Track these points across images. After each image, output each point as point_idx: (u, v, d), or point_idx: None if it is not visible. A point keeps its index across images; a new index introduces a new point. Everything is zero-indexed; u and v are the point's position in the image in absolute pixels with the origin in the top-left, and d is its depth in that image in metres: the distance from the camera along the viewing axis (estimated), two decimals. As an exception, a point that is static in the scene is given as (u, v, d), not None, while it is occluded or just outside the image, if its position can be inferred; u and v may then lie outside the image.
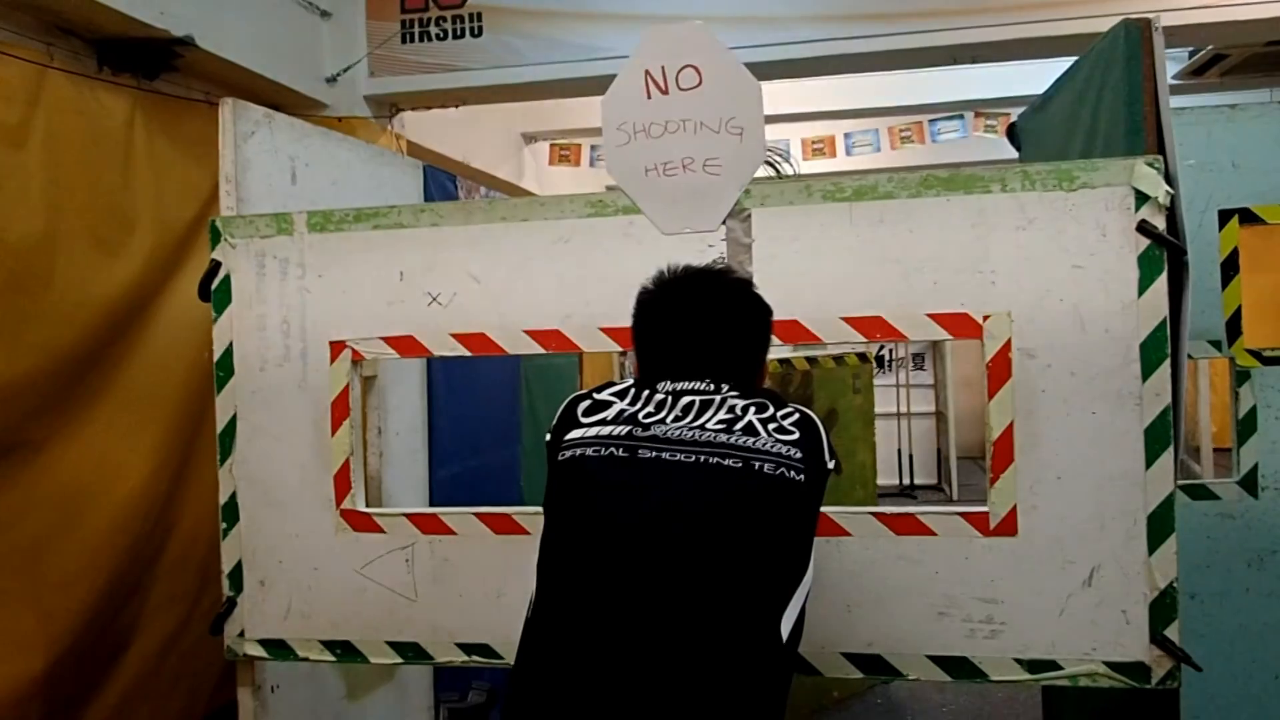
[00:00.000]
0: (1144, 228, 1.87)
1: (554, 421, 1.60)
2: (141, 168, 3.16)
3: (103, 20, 2.98)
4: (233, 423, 2.21)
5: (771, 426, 1.48)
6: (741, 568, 1.36)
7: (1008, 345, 1.89)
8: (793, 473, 1.43)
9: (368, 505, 2.23)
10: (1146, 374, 1.85)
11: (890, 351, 8.95)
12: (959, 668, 1.87)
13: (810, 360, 3.75)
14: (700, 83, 2.09)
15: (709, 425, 1.47)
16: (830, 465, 1.54)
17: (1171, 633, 1.80)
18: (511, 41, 4.47)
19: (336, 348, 2.17)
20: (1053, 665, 1.84)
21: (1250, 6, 3.83)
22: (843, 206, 2.00)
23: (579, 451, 1.49)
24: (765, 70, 4.34)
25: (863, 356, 3.95)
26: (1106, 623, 1.81)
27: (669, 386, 1.54)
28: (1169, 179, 1.89)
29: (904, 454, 8.81)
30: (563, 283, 2.10)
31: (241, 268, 2.22)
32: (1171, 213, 1.89)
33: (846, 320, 1.97)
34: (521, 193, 6.63)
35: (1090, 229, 1.89)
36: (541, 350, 2.11)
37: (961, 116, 6.40)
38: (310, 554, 2.18)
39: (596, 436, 1.49)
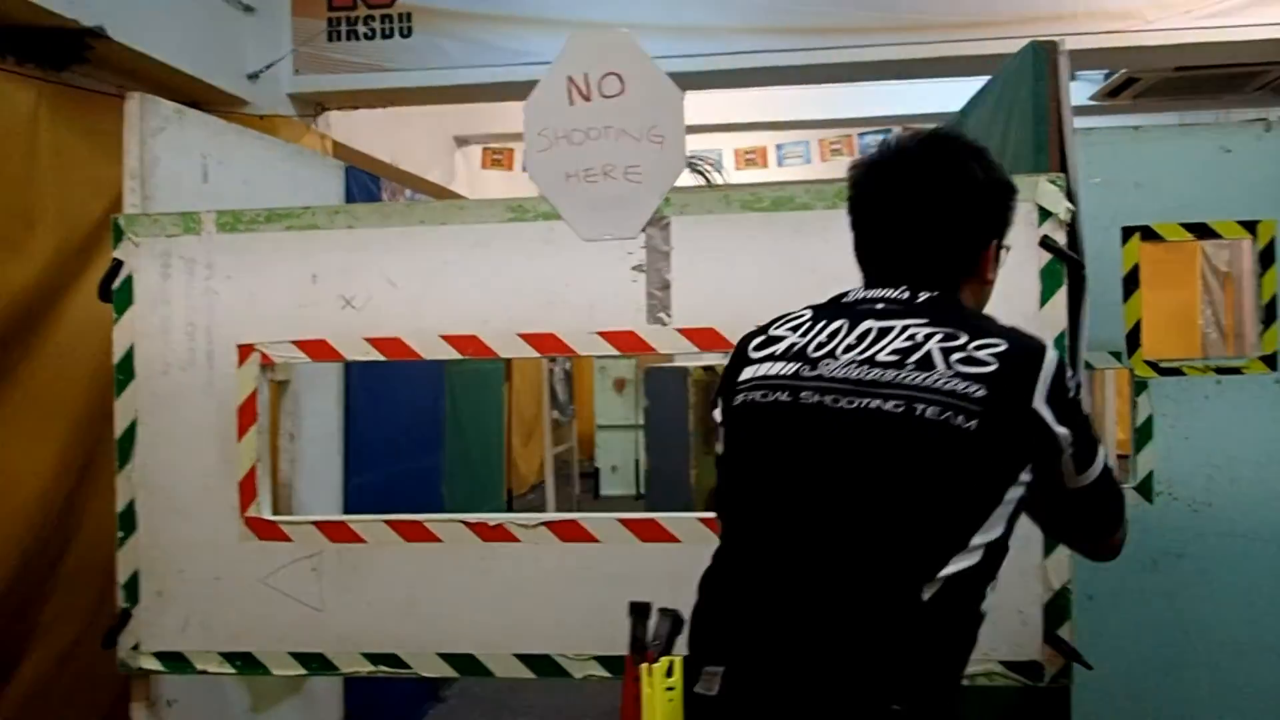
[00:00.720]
0: (1046, 243, 1.95)
1: (730, 359, 1.52)
2: (46, 162, 3.06)
3: (7, 7, 2.90)
4: (132, 428, 2.17)
5: (956, 357, 1.28)
6: (890, 515, 1.26)
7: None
8: (961, 417, 1.24)
9: (276, 513, 2.20)
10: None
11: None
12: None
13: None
14: (623, 90, 2.12)
15: (879, 358, 1.32)
16: (1042, 408, 1.27)
17: (1064, 632, 1.88)
18: (441, 43, 4.45)
19: (244, 351, 2.14)
20: (978, 664, 1.90)
21: (1156, 33, 4.01)
22: (761, 216, 2.04)
23: (748, 397, 1.40)
24: (695, 80, 4.39)
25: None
26: (1004, 624, 1.88)
27: (860, 295, 1.42)
28: (1070, 196, 1.97)
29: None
30: (481, 288, 2.11)
31: (145, 267, 2.18)
32: (1072, 228, 1.97)
33: (761, 328, 2.01)
34: (452, 196, 6.59)
35: (995, 243, 1.96)
36: (458, 356, 2.11)
37: (888, 130, 6.55)
38: (212, 563, 2.14)
39: (764, 378, 1.39)
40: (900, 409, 1.27)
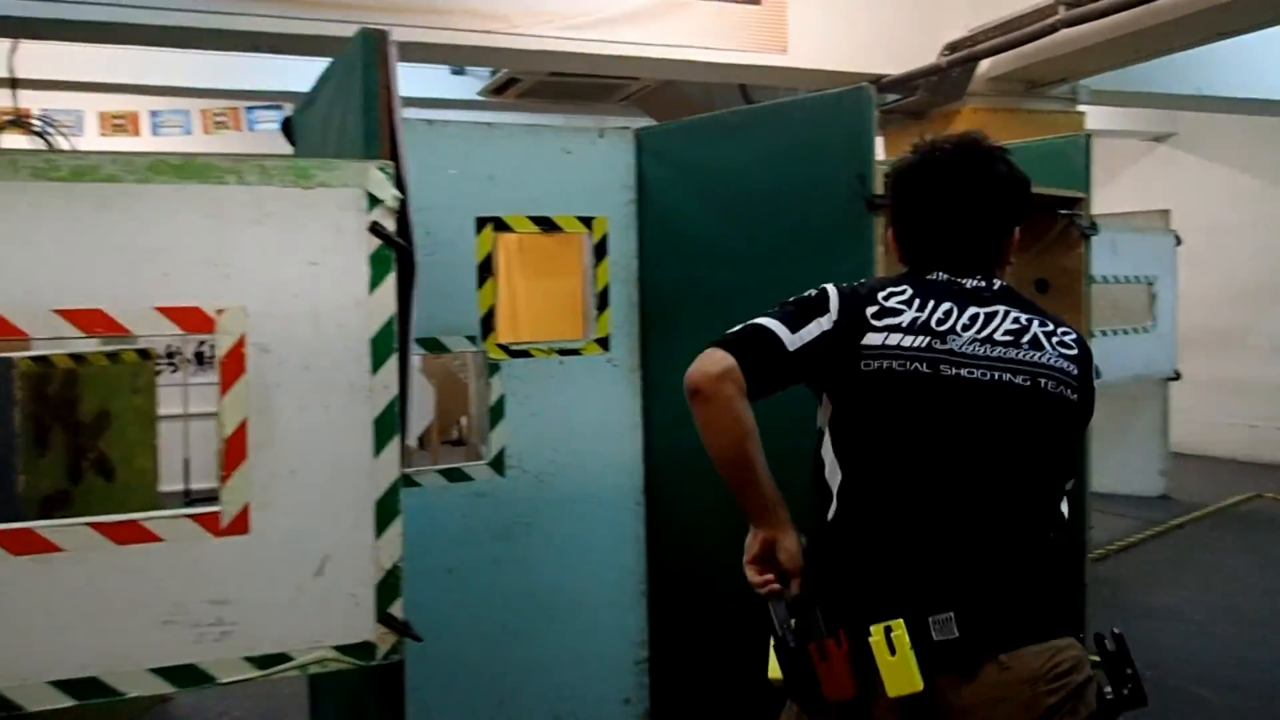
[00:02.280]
0: (375, 229, 2.07)
1: (834, 315, 1.70)
2: None
3: None
4: None
5: (1054, 341, 1.70)
6: (1035, 466, 1.68)
7: (242, 341, 1.96)
8: (1069, 391, 1.68)
9: None
10: (376, 367, 2.05)
11: (211, 348, 8.69)
12: (185, 676, 1.88)
13: (76, 358, 3.47)
14: None
15: (996, 337, 1.68)
16: (1094, 383, 1.76)
17: (396, 610, 2.03)
18: None
19: None
20: (284, 658, 1.95)
21: (525, 38, 4.48)
22: (58, 186, 1.89)
23: (884, 364, 1.65)
24: (31, 28, 3.93)
25: (144, 353, 3.76)
26: (336, 608, 1.98)
27: (944, 278, 1.74)
28: (400, 184, 2.12)
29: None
30: None
31: None
32: (403, 215, 2.12)
33: (60, 313, 1.87)
34: None
35: (326, 227, 2.05)
36: None
37: (280, 107, 6.46)
38: None
39: (899, 348, 1.66)
40: (1028, 383, 1.66)
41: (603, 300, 3.23)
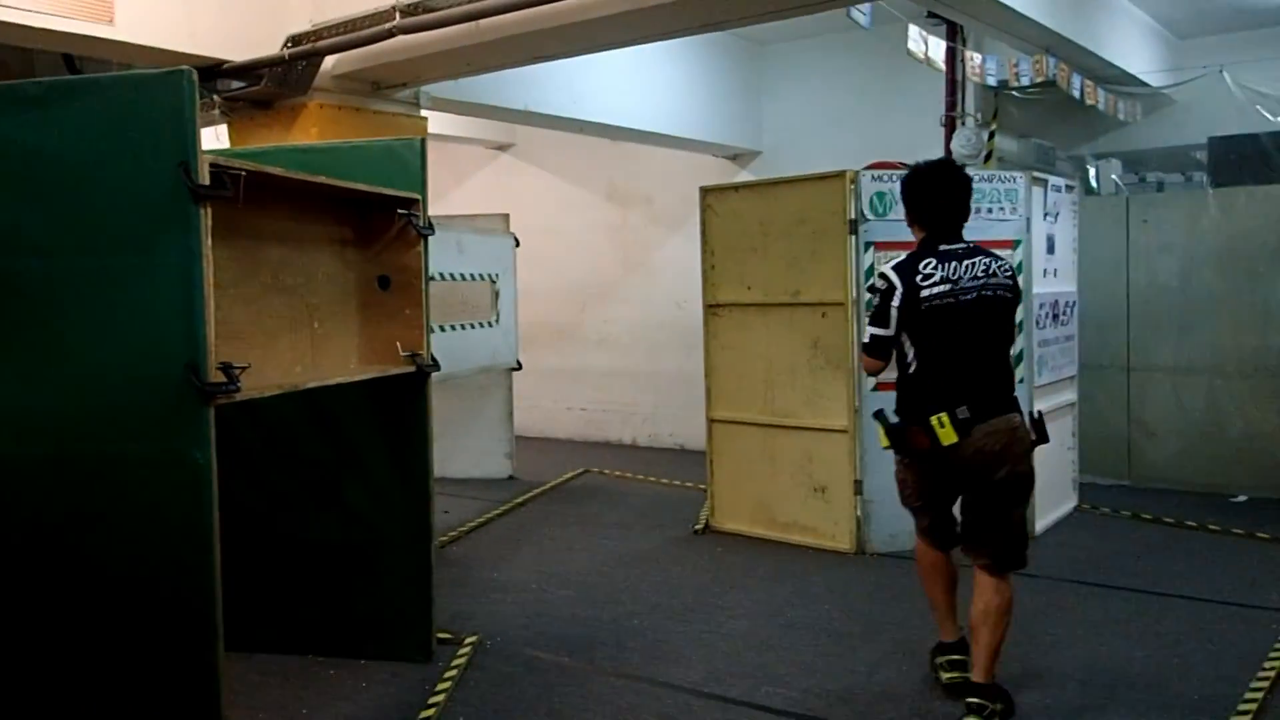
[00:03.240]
0: None
1: (900, 290, 3.71)
2: None
3: None
4: None
5: (1000, 268, 3.80)
6: (999, 335, 3.83)
7: None
8: (1008, 293, 3.81)
9: None
10: None
11: None
12: None
13: None
14: None
15: (977, 274, 3.72)
16: (1018, 288, 4.01)
17: None
18: None
19: None
20: None
21: None
22: None
23: (933, 303, 3.66)
24: None
25: None
26: None
27: (948, 247, 3.77)
28: None
29: None
30: None
31: None
32: None
33: None
34: None
35: None
36: None
37: None
38: None
39: (938, 294, 3.67)
40: (991, 294, 3.74)
41: None
